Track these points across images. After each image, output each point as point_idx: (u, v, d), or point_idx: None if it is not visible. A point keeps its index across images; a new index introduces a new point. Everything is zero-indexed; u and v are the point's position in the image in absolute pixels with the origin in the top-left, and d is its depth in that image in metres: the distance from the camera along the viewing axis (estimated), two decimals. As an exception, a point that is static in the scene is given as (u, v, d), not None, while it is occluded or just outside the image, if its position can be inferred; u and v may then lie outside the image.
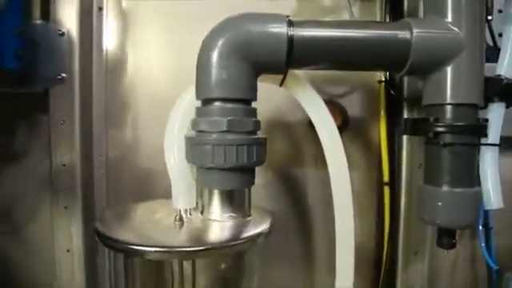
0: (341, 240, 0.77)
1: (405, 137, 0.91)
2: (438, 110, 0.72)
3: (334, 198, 0.78)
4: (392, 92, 0.91)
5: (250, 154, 0.67)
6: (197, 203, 0.74)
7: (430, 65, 0.71)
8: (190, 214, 0.72)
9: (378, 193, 0.96)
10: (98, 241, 0.68)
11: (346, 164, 0.77)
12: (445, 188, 0.72)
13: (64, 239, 0.94)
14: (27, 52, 0.91)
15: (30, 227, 0.98)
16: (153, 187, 0.97)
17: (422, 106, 0.75)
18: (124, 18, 0.98)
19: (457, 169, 0.72)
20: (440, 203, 0.71)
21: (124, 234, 0.66)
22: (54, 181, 0.93)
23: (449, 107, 0.71)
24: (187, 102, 0.76)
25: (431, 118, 0.72)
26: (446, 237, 0.76)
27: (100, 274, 0.99)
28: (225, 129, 0.66)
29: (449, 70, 0.70)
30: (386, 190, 0.93)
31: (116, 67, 0.99)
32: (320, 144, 0.95)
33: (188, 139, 0.70)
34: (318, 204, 0.99)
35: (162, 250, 0.60)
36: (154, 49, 0.98)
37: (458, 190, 0.71)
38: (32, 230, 0.98)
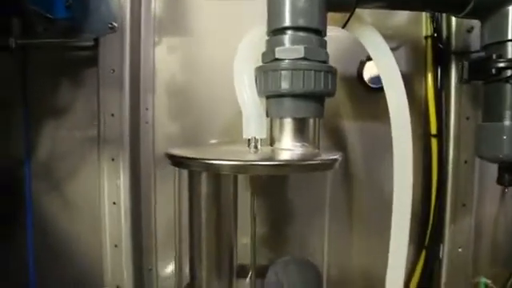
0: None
1: (453, 89, 0.93)
2: (500, 48, 0.74)
3: (395, 150, 0.78)
4: (440, 45, 0.94)
5: (326, 82, 0.68)
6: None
7: (492, 4, 0.74)
8: (260, 145, 0.71)
9: (424, 146, 0.97)
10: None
11: (407, 108, 0.78)
12: (507, 122, 0.73)
13: (111, 192, 0.92)
14: (77, 1, 0.91)
15: (76, 181, 0.96)
16: (201, 140, 0.96)
17: (481, 46, 0.78)
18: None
19: (519, 103, 0.74)
20: (505, 137, 0.73)
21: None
22: (101, 131, 0.92)
23: (510, 43, 0.73)
24: (250, 42, 0.76)
25: (494, 55, 0.74)
26: (508, 173, 0.78)
27: (144, 225, 0.97)
28: (302, 56, 0.67)
29: (511, 8, 0.73)
30: (434, 142, 0.94)
31: (164, 24, 0.98)
32: (359, 97, 0.98)
33: (261, 68, 0.70)
34: (358, 155, 0.99)
35: (242, 163, 0.60)
36: (206, 13, 0.98)
37: (521, 123, 0.73)
38: (78, 183, 0.96)
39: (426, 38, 0.96)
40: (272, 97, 0.70)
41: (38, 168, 0.97)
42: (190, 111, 0.97)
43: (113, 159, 0.92)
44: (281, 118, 0.70)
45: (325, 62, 0.70)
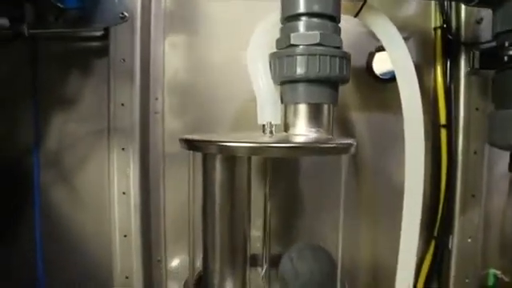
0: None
1: (462, 80, 0.93)
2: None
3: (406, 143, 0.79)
4: (449, 37, 0.94)
5: (341, 67, 0.68)
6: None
7: (504, -8, 0.74)
8: (274, 132, 0.71)
9: (434, 137, 0.97)
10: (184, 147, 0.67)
11: (420, 99, 0.79)
12: (520, 110, 0.74)
13: (120, 182, 0.92)
14: (88, -10, 0.91)
15: (86, 171, 0.96)
16: (211, 131, 0.96)
17: (493, 35, 0.78)
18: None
19: (532, 91, 0.74)
20: (517, 124, 0.73)
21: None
22: (111, 121, 0.92)
23: (523, 31, 0.74)
24: (264, 29, 0.76)
25: (506, 43, 0.74)
26: (519, 161, 0.78)
27: (153, 216, 0.97)
28: (317, 41, 0.67)
29: (523, -4, 0.73)
30: (443, 132, 0.95)
31: (173, 16, 0.98)
32: (367, 88, 0.98)
33: (276, 54, 0.71)
34: (366, 146, 0.99)
35: (261, 145, 0.60)
36: (217, 6, 0.97)
37: (533, 111, 0.73)
38: (87, 173, 0.96)
39: (435, 29, 0.96)
40: (287, 82, 0.70)
41: (46, 158, 0.97)
42: (200, 102, 0.97)
43: (123, 149, 0.92)
44: (295, 104, 0.70)
45: (339, 47, 0.70)
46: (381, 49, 0.95)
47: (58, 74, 0.96)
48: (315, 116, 0.70)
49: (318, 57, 0.66)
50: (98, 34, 0.93)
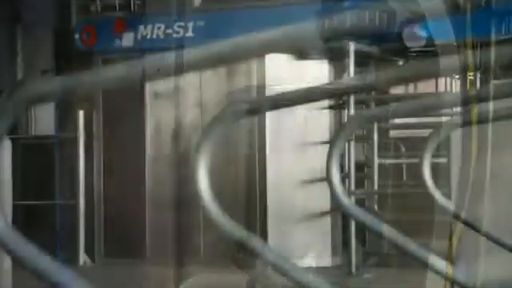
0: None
1: (492, 50, 0.95)
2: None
3: None
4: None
5: (390, 22, 0.70)
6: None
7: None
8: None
9: (463, 108, 0.98)
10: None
11: (457, 63, 0.80)
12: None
13: (155, 145, 0.92)
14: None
15: (120, 136, 0.96)
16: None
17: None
18: None
19: None
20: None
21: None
22: (147, 86, 0.92)
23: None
24: None
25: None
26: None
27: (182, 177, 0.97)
28: (364, -6, 0.68)
29: None
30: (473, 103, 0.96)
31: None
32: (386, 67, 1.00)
33: (325, 8, 0.71)
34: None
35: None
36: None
37: None
38: (121, 138, 0.95)
39: None
40: (335, 38, 0.71)
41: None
42: (232, 71, 0.97)
43: (156, 115, 0.92)
44: (342, 60, 0.71)
45: (387, 3, 0.71)
46: (410, 20, 0.97)
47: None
48: (363, 72, 0.71)
49: (367, 11, 0.67)
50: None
